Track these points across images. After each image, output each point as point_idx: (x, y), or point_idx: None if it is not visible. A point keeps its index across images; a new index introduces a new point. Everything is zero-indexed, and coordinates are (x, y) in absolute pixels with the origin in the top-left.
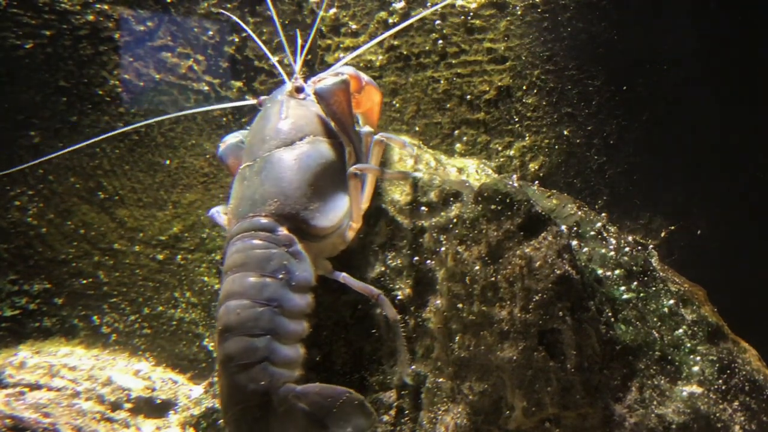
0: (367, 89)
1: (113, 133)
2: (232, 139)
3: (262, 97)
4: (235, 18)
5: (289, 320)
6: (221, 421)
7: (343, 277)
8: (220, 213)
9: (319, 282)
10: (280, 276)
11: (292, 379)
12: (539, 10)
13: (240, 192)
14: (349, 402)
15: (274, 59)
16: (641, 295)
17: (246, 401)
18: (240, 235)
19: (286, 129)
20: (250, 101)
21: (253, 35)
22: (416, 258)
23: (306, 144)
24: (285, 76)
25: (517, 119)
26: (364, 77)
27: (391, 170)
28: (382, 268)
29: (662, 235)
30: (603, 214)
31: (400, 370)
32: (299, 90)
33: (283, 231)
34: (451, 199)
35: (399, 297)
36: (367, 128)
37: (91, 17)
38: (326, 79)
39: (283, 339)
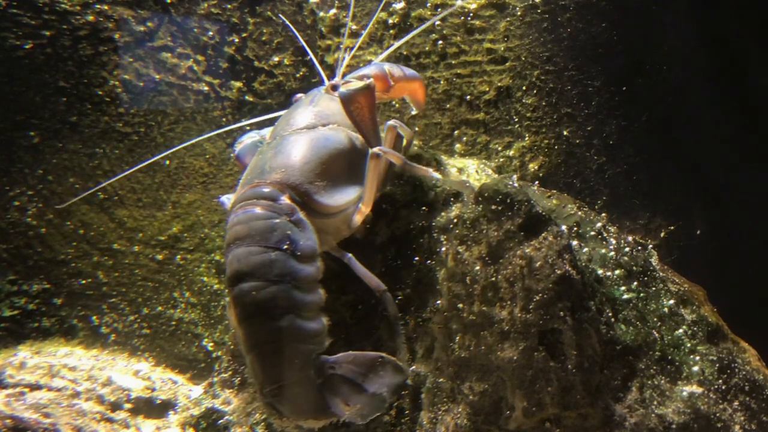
0: (399, 85)
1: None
2: (249, 139)
3: (298, 95)
4: (284, 19)
5: (305, 292)
6: (221, 420)
7: (349, 258)
8: (230, 200)
9: (324, 258)
10: (284, 247)
11: (323, 350)
12: (539, 11)
13: (253, 164)
14: (382, 364)
15: (315, 59)
16: (641, 295)
17: (283, 379)
18: (242, 204)
19: (312, 115)
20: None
21: (297, 34)
22: (416, 258)
23: (327, 129)
24: (324, 77)
25: (516, 119)
26: (395, 72)
27: (413, 163)
28: (383, 269)
29: (662, 235)
30: (603, 214)
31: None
32: (334, 88)
33: (285, 200)
34: (451, 199)
35: (399, 297)
36: (392, 122)
37: (91, 17)
38: (350, 83)
39: (304, 313)
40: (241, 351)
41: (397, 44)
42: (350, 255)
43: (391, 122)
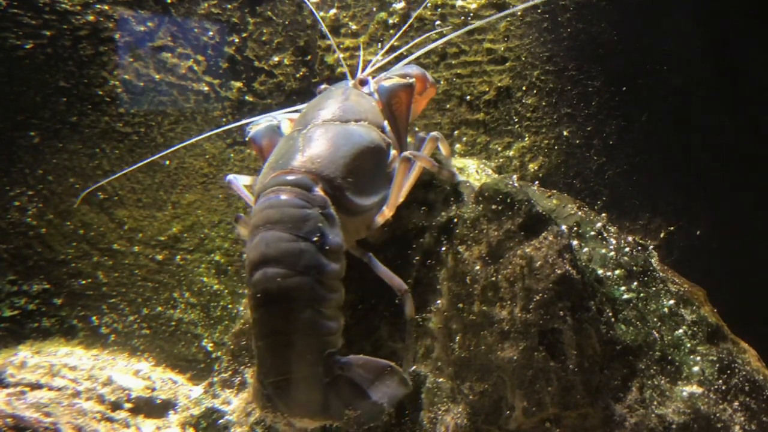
0: (429, 91)
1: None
2: (265, 122)
3: (322, 86)
4: (312, 8)
5: (328, 288)
6: (221, 420)
7: (369, 257)
8: (238, 180)
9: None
10: (314, 239)
11: (336, 349)
12: (539, 11)
13: (283, 149)
14: (390, 374)
15: (340, 55)
16: (641, 295)
17: (291, 373)
18: (275, 188)
19: (345, 108)
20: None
21: (324, 27)
22: (416, 258)
23: (359, 126)
24: (348, 73)
25: (516, 120)
26: (430, 78)
27: (437, 165)
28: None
29: (662, 235)
30: (603, 215)
31: (403, 368)
32: (363, 83)
33: (318, 191)
34: (452, 199)
35: (399, 297)
36: (422, 134)
37: (91, 17)
38: (392, 79)
39: (324, 309)
40: (252, 336)
41: (424, 50)
42: (371, 254)
43: (435, 133)
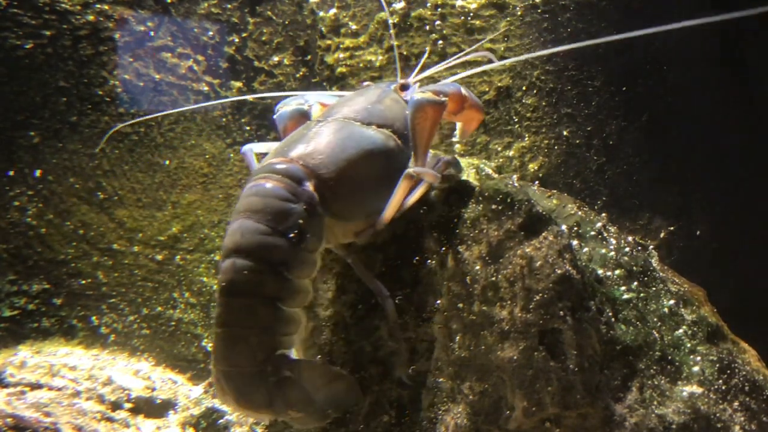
0: (468, 112)
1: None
2: (294, 104)
3: (367, 82)
4: (385, 4)
5: (296, 287)
6: (221, 420)
7: (352, 260)
8: (253, 152)
9: (325, 255)
10: (291, 235)
11: (290, 347)
12: (539, 11)
13: (294, 137)
14: (340, 382)
15: (395, 53)
16: (641, 295)
17: (239, 365)
18: (266, 175)
19: (372, 110)
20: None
21: (391, 26)
22: (416, 258)
23: (379, 132)
24: (399, 72)
25: (516, 120)
26: (472, 99)
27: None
28: (383, 268)
29: (662, 235)
30: (603, 215)
31: (399, 371)
32: (404, 88)
33: (309, 187)
34: (452, 198)
35: (399, 297)
36: (444, 158)
37: (91, 17)
38: (426, 93)
39: (287, 307)
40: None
41: (449, 62)
42: (354, 257)
43: (448, 158)
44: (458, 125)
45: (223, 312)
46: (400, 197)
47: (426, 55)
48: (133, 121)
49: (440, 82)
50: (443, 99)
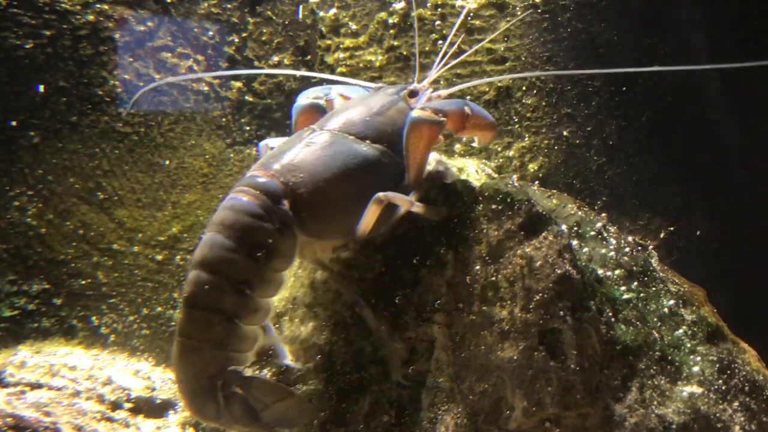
0: (472, 131)
1: None
2: (314, 96)
3: (380, 84)
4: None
5: (256, 304)
6: None
7: (329, 274)
8: (268, 147)
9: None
10: (259, 254)
11: (243, 363)
12: (539, 11)
13: (285, 146)
14: (289, 401)
15: (416, 53)
16: (641, 295)
17: (190, 377)
18: (244, 189)
19: (370, 123)
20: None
21: (416, 25)
22: (416, 258)
23: (373, 150)
24: (417, 75)
25: (516, 120)
26: (478, 117)
27: (422, 205)
28: (383, 268)
29: (662, 235)
30: (603, 215)
31: (395, 375)
32: (412, 95)
33: (285, 205)
34: (452, 198)
35: (399, 297)
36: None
37: (91, 17)
38: (426, 111)
39: (245, 323)
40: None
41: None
42: (331, 271)
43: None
44: (476, 138)
45: (183, 322)
46: (369, 220)
47: (440, 60)
48: (152, 85)
49: (443, 101)
50: (441, 119)
